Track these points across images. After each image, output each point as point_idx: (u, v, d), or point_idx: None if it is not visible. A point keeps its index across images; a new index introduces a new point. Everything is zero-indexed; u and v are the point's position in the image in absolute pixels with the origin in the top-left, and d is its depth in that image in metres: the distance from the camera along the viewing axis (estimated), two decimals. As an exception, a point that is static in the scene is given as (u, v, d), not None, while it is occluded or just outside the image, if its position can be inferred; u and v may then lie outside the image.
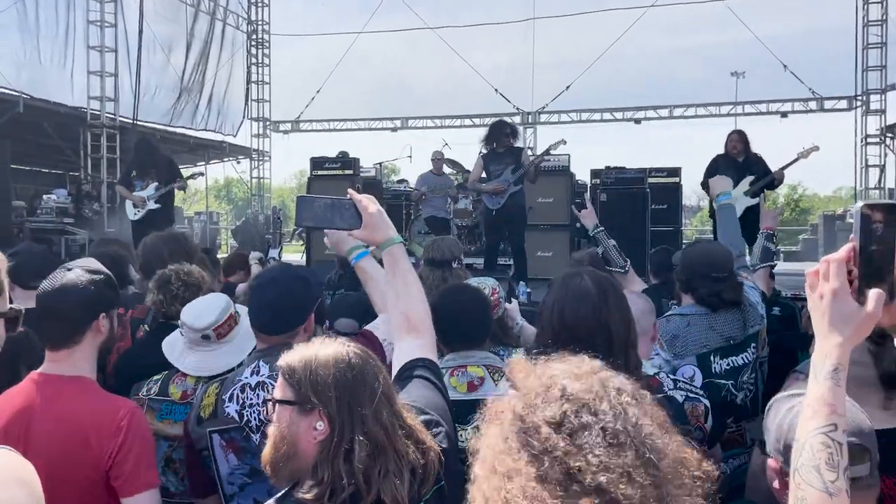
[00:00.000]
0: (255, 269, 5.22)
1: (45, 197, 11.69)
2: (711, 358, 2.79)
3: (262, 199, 17.02)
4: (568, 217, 9.64)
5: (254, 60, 16.55)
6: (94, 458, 1.82)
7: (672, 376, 2.36)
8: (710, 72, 14.80)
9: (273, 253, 11.71)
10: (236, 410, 2.01)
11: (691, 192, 19.24)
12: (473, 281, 2.97)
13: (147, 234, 7.58)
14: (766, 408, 1.56)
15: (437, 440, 1.48)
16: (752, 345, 2.90)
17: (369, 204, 1.79)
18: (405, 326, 1.75)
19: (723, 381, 2.79)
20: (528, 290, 7.08)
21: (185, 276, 2.83)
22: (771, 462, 1.52)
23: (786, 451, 1.46)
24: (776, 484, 1.51)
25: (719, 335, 2.83)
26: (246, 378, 2.05)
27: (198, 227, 17.74)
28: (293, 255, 14.03)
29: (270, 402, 1.46)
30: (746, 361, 2.86)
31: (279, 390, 1.46)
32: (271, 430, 1.45)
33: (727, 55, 15.00)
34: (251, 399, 2.01)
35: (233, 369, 2.50)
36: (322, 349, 1.46)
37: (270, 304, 2.09)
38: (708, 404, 2.24)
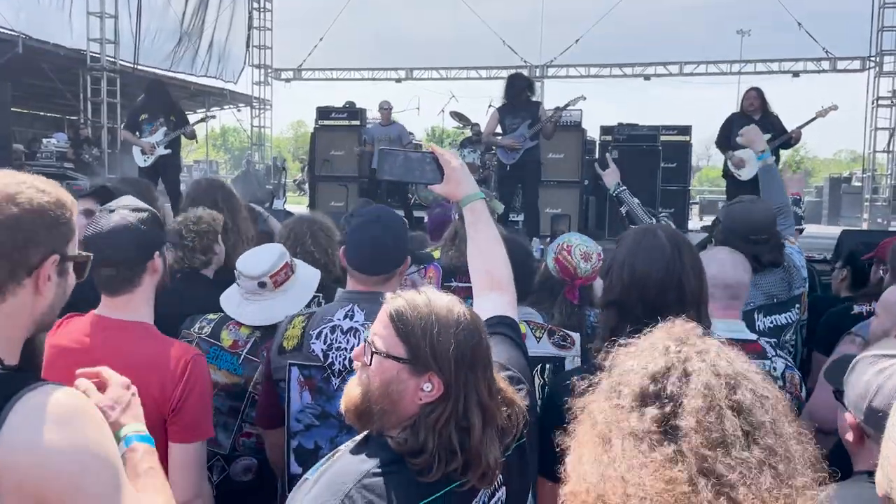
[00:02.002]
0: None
1: (44, 141, 11.51)
2: (755, 315, 2.77)
3: (262, 148, 16.81)
4: (579, 174, 9.54)
5: (255, 5, 16.14)
6: (155, 402, 1.77)
7: (772, 342, 2.33)
8: (719, 29, 14.58)
9: (278, 203, 11.61)
10: (322, 350, 1.97)
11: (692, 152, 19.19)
12: (577, 239, 2.81)
13: (156, 180, 7.57)
14: (854, 363, 1.52)
15: (518, 396, 1.44)
16: (797, 305, 2.89)
17: (452, 158, 1.76)
18: (487, 283, 1.71)
19: (766, 339, 2.77)
20: (542, 246, 7.04)
21: (195, 226, 2.73)
22: (848, 416, 1.51)
23: (869, 413, 1.44)
24: (849, 436, 1.51)
25: (763, 293, 2.80)
26: (338, 320, 1.99)
27: (197, 175, 17.56)
28: (296, 206, 13.91)
29: (373, 352, 1.34)
30: (789, 321, 2.85)
31: (385, 342, 1.34)
32: (365, 377, 1.35)
33: (737, 12, 14.77)
34: (340, 342, 1.96)
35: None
36: (437, 305, 1.35)
37: (377, 243, 2.01)
38: (801, 375, 2.22)
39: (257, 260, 2.39)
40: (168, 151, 7.72)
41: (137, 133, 7.76)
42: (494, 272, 1.72)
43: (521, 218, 8.27)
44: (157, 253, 1.93)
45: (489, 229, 1.76)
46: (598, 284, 2.97)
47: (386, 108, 10.04)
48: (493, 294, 1.69)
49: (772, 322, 2.78)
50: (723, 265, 2.26)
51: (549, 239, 6.84)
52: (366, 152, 9.83)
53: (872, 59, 13.23)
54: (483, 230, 1.76)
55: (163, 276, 1.96)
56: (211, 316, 2.42)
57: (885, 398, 1.41)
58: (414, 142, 10.75)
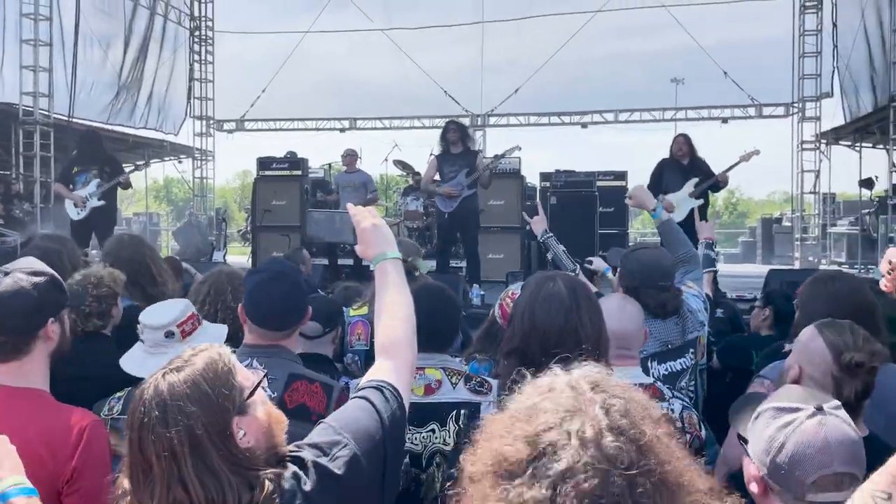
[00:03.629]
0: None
1: (-27, 197, 11.11)
2: (649, 363, 2.78)
3: (205, 199, 16.61)
4: (519, 219, 9.70)
5: (196, 57, 16.13)
6: (49, 477, 1.67)
7: (668, 385, 2.35)
8: (652, 78, 15.08)
9: (218, 256, 11.43)
10: None
11: (634, 195, 19.64)
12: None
13: (89, 233, 7.43)
14: (757, 412, 1.55)
15: (335, 464, 1.36)
16: (691, 350, 2.92)
17: (362, 219, 1.74)
18: (379, 347, 1.65)
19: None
20: (482, 292, 7.08)
21: (95, 290, 2.69)
22: (752, 468, 1.52)
23: (773, 468, 1.46)
24: (754, 488, 1.52)
25: (657, 340, 2.83)
26: None
27: (137, 228, 17.18)
28: (238, 257, 13.71)
29: None
30: (684, 367, 2.87)
31: None
32: None
33: (669, 62, 15.35)
34: None
35: None
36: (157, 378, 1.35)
37: (280, 300, 2.02)
38: (699, 414, 2.24)
39: (163, 310, 2.35)
40: (102, 203, 7.62)
41: (71, 186, 7.66)
42: (386, 335, 1.65)
43: (464, 264, 8.34)
44: (52, 319, 1.85)
45: (394, 291, 1.70)
46: None
47: (348, 155, 10.06)
48: (381, 358, 1.64)
49: (666, 369, 2.80)
50: (609, 315, 2.28)
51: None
52: (330, 201, 9.81)
53: (795, 105, 13.91)
54: (386, 292, 1.70)
55: (60, 342, 1.88)
56: (118, 394, 2.35)
57: (788, 455, 1.44)
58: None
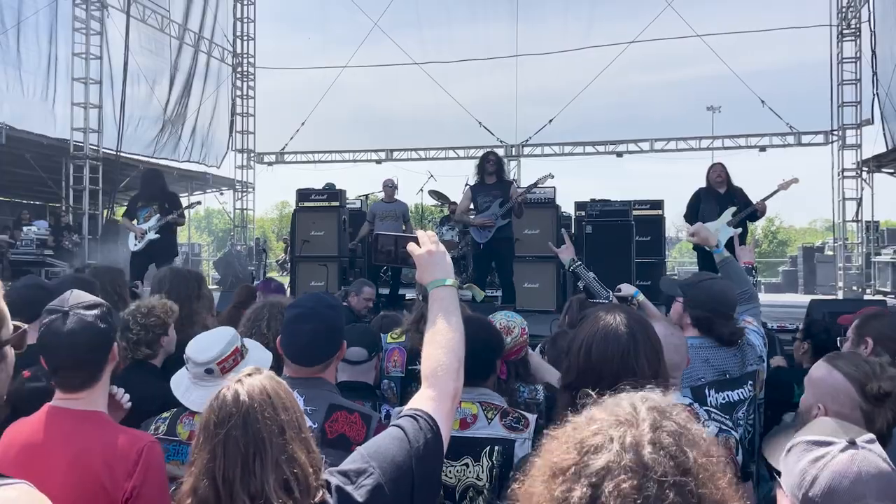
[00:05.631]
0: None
1: (25, 228, 11.55)
2: (707, 391, 2.76)
3: (245, 230, 16.95)
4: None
5: (239, 93, 16.61)
6: (108, 496, 1.75)
7: (706, 407, 2.33)
8: (688, 106, 15.07)
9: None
10: None
11: (670, 224, 19.56)
12: (501, 315, 2.91)
13: (147, 264, 7.76)
14: (789, 445, 1.55)
15: (359, 492, 1.40)
16: (749, 382, 2.89)
17: (422, 245, 1.78)
18: (424, 373, 1.67)
19: (711, 410, 2.74)
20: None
21: (143, 319, 2.78)
22: (785, 501, 1.52)
23: (806, 502, 1.46)
24: None
25: (714, 369, 2.82)
26: None
27: (179, 258, 17.58)
28: (277, 287, 13.92)
29: None
30: (742, 398, 2.83)
31: None
32: None
33: (705, 90, 15.33)
34: None
35: None
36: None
37: (310, 337, 2.08)
38: (738, 437, 2.22)
39: (206, 345, 2.39)
40: (158, 237, 7.96)
41: (135, 220, 8.07)
42: (429, 364, 1.66)
43: (499, 293, 8.35)
44: (115, 344, 1.97)
45: (443, 320, 1.70)
46: (536, 361, 3.02)
47: (390, 186, 10.20)
48: (423, 385, 1.66)
49: (724, 398, 2.77)
50: None
51: None
52: (369, 233, 9.95)
53: (835, 132, 13.72)
54: (436, 320, 1.71)
55: (119, 361, 1.99)
56: (164, 415, 2.39)
57: (820, 489, 1.43)
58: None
